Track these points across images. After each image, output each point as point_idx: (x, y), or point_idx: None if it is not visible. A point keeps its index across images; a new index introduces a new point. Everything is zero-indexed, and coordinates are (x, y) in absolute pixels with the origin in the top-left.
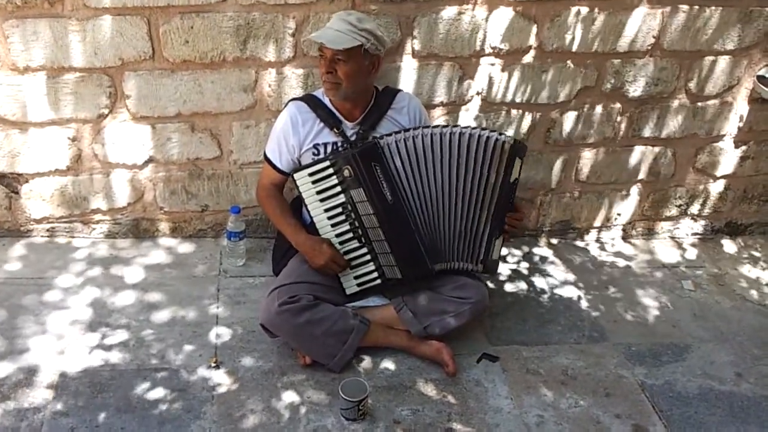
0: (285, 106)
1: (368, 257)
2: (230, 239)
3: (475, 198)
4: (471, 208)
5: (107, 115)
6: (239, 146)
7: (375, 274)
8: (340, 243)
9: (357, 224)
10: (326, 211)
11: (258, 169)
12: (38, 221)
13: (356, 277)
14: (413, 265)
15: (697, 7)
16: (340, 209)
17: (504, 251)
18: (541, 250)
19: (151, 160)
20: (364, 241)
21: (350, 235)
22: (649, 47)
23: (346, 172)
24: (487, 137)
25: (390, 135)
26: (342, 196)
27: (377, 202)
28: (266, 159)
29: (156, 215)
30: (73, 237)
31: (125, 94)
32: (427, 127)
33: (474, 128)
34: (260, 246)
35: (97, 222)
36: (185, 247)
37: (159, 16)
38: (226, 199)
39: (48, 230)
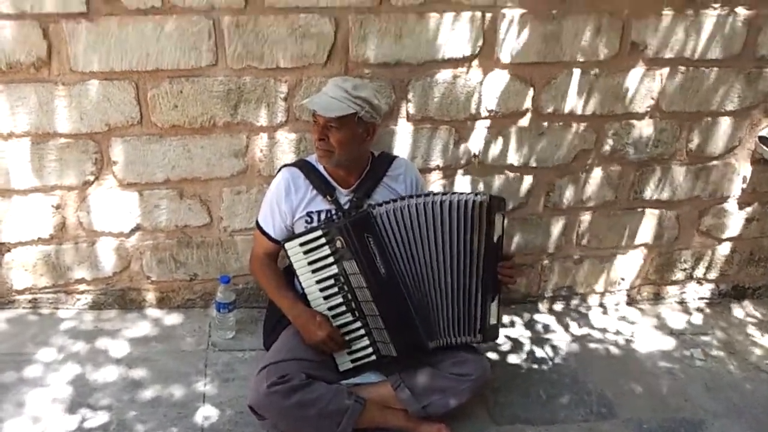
0: (278, 171)
1: (362, 332)
2: (219, 311)
3: (462, 265)
4: (460, 277)
5: (93, 182)
6: (230, 213)
7: (370, 350)
8: (333, 316)
9: (350, 297)
10: (318, 282)
11: (249, 236)
12: (20, 292)
13: (350, 353)
14: (409, 343)
15: (695, 68)
16: (332, 281)
17: (505, 319)
18: (544, 317)
19: (138, 228)
20: (357, 315)
21: (343, 308)
22: (648, 108)
23: (338, 243)
24: (465, 201)
25: (382, 205)
26: (334, 267)
27: (370, 276)
28: (258, 228)
29: (143, 285)
30: (56, 308)
31: (112, 160)
32: (418, 195)
33: (453, 193)
34: (251, 317)
35: (82, 292)
36: (173, 319)
37: (147, 81)
38: (215, 267)
39: (30, 301)
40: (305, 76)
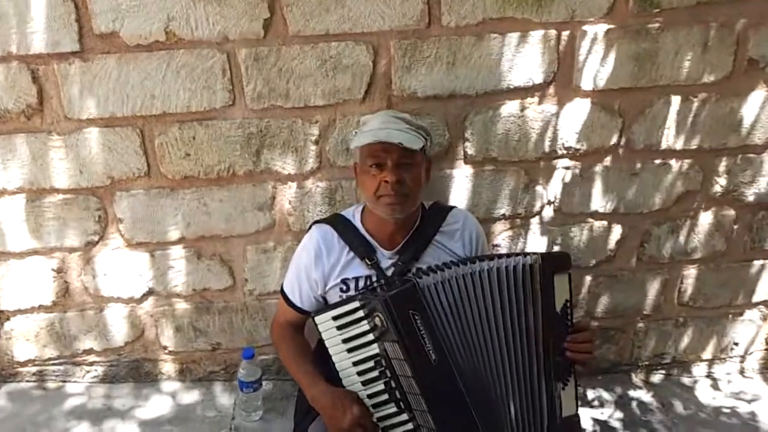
0: (308, 229)
1: (410, 426)
2: (243, 390)
3: (519, 346)
4: (518, 362)
5: (97, 243)
6: (255, 274)
7: None
8: (373, 406)
9: (394, 384)
10: (355, 364)
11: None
12: (23, 364)
13: None
14: None
15: None
16: (372, 362)
17: (590, 394)
18: (639, 393)
19: (151, 292)
20: (403, 406)
21: (385, 396)
22: None
23: (377, 321)
24: (512, 266)
25: (429, 273)
26: (375, 346)
27: (417, 363)
28: (283, 295)
29: (159, 356)
30: (64, 381)
31: (117, 217)
32: (470, 261)
33: (503, 256)
34: (282, 392)
35: (91, 364)
36: (191, 396)
37: (154, 126)
38: (241, 336)
39: (35, 374)
40: (340, 115)
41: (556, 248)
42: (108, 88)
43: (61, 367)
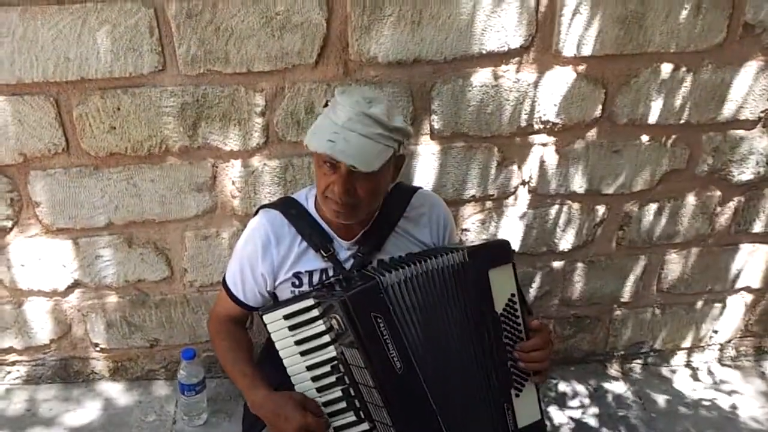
0: (254, 215)
1: None
2: (184, 394)
3: (464, 353)
4: (467, 371)
5: (11, 229)
6: (196, 263)
7: None
8: (330, 414)
9: (353, 392)
10: (309, 369)
11: None
12: None
13: None
14: None
15: None
16: (328, 367)
17: (563, 387)
18: (615, 385)
19: (77, 284)
20: (363, 416)
21: (343, 404)
22: (763, 114)
23: (334, 322)
24: (442, 267)
25: (395, 268)
26: (331, 349)
27: (381, 373)
28: (224, 286)
29: (90, 354)
30: None
31: (33, 200)
32: (431, 255)
33: (443, 252)
34: (230, 392)
35: (12, 364)
36: (128, 397)
37: (71, 95)
38: (181, 331)
39: None
40: (288, 83)
41: (532, 233)
42: (12, 48)
43: None
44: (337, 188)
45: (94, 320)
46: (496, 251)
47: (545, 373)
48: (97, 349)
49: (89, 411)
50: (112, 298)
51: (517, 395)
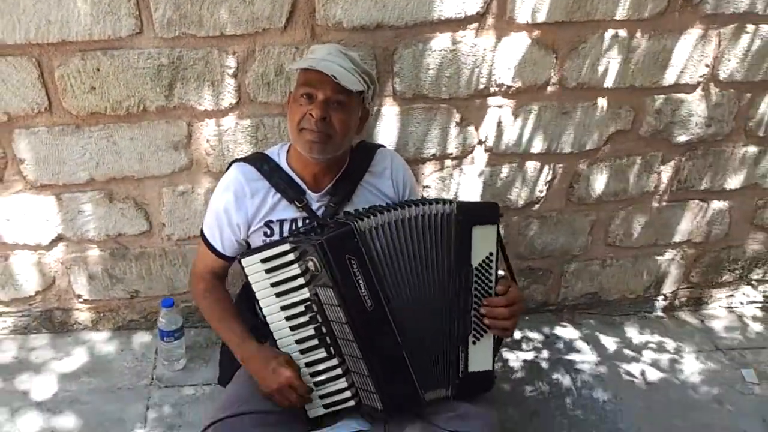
0: (227, 168)
1: (339, 371)
2: (164, 339)
3: (439, 296)
4: (440, 312)
5: None
6: (173, 218)
7: (348, 394)
8: (302, 351)
9: (325, 330)
10: (284, 309)
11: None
12: None
13: (322, 396)
14: (399, 396)
15: (763, 25)
16: (302, 307)
17: (517, 334)
18: (566, 332)
19: (60, 238)
20: (333, 351)
21: (315, 341)
22: (702, 79)
23: (310, 264)
24: (427, 214)
25: (368, 216)
26: (305, 290)
27: (353, 310)
28: (203, 238)
29: (73, 305)
30: None
31: (18, 158)
32: (404, 205)
33: (432, 202)
34: (207, 339)
35: (0, 315)
36: (110, 346)
37: (53, 57)
38: (160, 282)
39: None
40: (259, 46)
41: (488, 190)
42: None
43: None
44: (315, 112)
45: (77, 273)
46: (484, 211)
47: (508, 330)
48: (80, 300)
49: (74, 358)
50: (94, 252)
51: (474, 342)
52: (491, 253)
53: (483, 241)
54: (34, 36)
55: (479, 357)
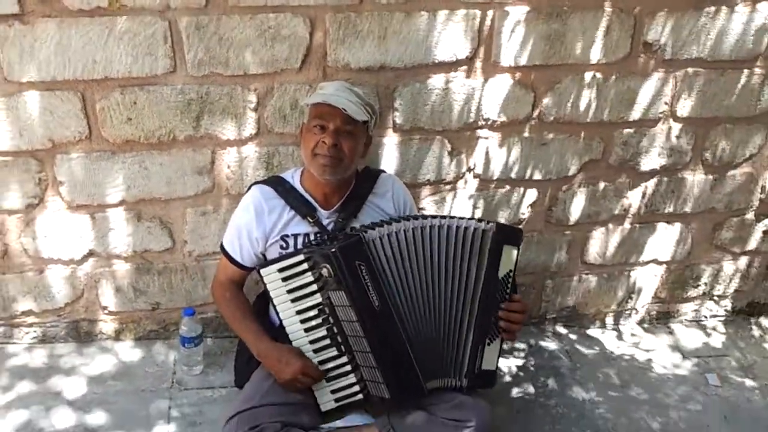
0: (247, 190)
1: (349, 367)
2: (184, 346)
3: (455, 299)
4: (452, 312)
5: (37, 205)
6: (195, 236)
7: (356, 388)
8: (315, 351)
9: (336, 330)
10: (299, 313)
11: (217, 261)
12: None
13: (334, 391)
14: (404, 385)
15: (714, 69)
16: (315, 311)
17: (506, 345)
18: (549, 342)
19: (91, 254)
20: (344, 349)
21: (327, 341)
22: (662, 115)
23: (324, 272)
24: (465, 227)
25: (374, 228)
26: (318, 296)
27: (362, 309)
28: (224, 252)
29: (98, 316)
30: (3, 343)
31: (58, 180)
32: (415, 218)
33: (459, 218)
34: (222, 348)
35: (30, 325)
36: (133, 354)
37: (95, 91)
38: (180, 295)
39: None
40: (277, 83)
41: (477, 212)
42: (49, 52)
43: (0, 329)
44: (327, 140)
45: (105, 286)
46: (514, 233)
47: (516, 334)
48: (106, 311)
49: (100, 364)
50: (121, 266)
51: (488, 344)
52: (510, 271)
53: (507, 259)
54: (81, 73)
55: (489, 357)
